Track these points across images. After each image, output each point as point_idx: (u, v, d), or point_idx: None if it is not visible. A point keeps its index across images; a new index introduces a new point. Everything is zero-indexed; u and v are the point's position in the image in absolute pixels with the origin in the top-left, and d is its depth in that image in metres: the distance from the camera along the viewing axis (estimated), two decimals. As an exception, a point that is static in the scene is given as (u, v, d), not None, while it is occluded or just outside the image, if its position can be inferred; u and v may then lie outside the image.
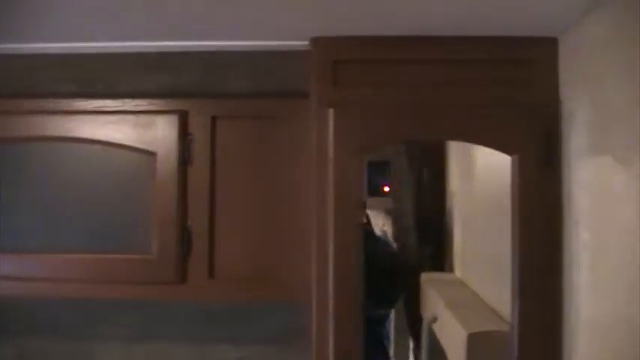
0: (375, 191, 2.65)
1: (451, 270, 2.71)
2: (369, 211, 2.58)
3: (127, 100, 2.06)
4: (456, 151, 2.67)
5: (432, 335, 2.60)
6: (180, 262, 2.02)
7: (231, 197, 2.03)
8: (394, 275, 2.66)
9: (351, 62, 1.93)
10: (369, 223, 2.60)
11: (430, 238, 2.78)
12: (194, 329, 2.35)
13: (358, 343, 1.91)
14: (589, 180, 1.70)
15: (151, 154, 2.02)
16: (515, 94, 1.88)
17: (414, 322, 2.82)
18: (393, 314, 2.84)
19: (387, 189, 2.68)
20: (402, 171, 2.72)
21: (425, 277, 2.72)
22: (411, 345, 2.89)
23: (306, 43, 1.94)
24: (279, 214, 2.01)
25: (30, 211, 2.09)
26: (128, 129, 2.04)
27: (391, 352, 2.85)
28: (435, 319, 2.53)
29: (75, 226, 2.06)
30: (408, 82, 1.92)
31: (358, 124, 1.89)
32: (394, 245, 2.75)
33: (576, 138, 1.77)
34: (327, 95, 1.91)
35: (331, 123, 1.90)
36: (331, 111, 1.90)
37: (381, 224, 2.92)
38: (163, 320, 2.36)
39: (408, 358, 2.85)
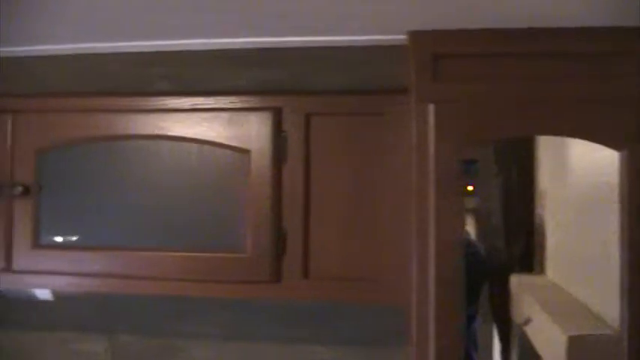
0: (458, 190, 2.57)
1: (542, 271, 2.63)
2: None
3: (220, 98, 2.03)
4: (546, 148, 2.59)
5: (523, 338, 2.53)
6: (274, 261, 1.98)
7: (326, 195, 1.99)
8: (481, 277, 2.60)
9: (451, 56, 1.88)
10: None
11: (519, 238, 2.70)
12: (285, 328, 2.33)
13: (460, 347, 1.84)
14: None
15: (245, 152, 1.99)
16: (624, 87, 1.79)
17: (502, 325, 2.75)
18: (478, 317, 2.77)
19: (470, 188, 2.61)
20: (490, 169, 2.65)
21: (514, 278, 2.64)
22: (499, 348, 2.82)
23: (403, 37, 1.88)
24: (376, 213, 1.97)
25: (123, 210, 2.09)
26: (221, 126, 2.02)
27: (475, 356, 2.78)
28: (528, 321, 2.46)
29: (168, 224, 2.05)
30: (510, 75, 1.86)
31: (460, 119, 1.83)
32: (479, 246, 2.69)
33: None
34: (427, 91, 1.86)
35: (432, 119, 1.85)
36: (431, 107, 1.85)
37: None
38: (254, 319, 2.34)
39: (493, 360, 2.78)
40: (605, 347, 1.86)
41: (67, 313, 2.50)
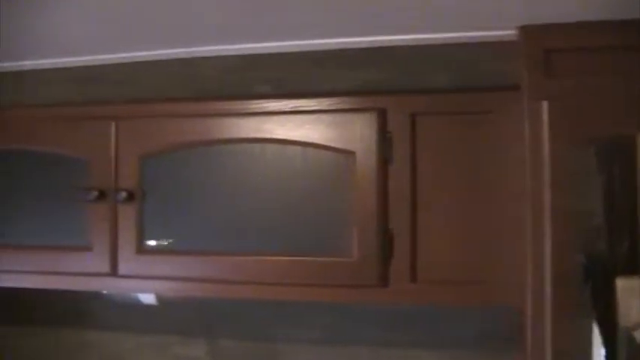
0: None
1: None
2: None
3: (322, 99, 2.00)
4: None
5: (631, 343, 2.43)
6: (381, 264, 1.95)
7: (433, 197, 1.94)
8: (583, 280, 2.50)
9: (563, 51, 1.81)
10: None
11: (622, 240, 2.60)
12: (388, 332, 2.31)
13: (577, 351, 1.78)
14: None
15: (350, 154, 1.96)
16: None
17: (607, 329, 2.65)
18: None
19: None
20: (591, 169, 2.55)
21: (622, 282, 2.54)
22: (602, 353, 2.72)
23: (513, 32, 1.82)
24: (485, 214, 1.91)
25: (227, 214, 2.08)
26: (325, 128, 1.99)
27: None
28: (637, 326, 2.36)
29: (272, 228, 2.03)
30: (626, 69, 1.78)
31: (576, 116, 1.77)
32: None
33: None
34: (540, 87, 1.80)
35: (545, 116, 1.79)
36: (545, 104, 1.79)
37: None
38: (356, 322, 2.32)
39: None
40: None
41: (169, 317, 2.52)
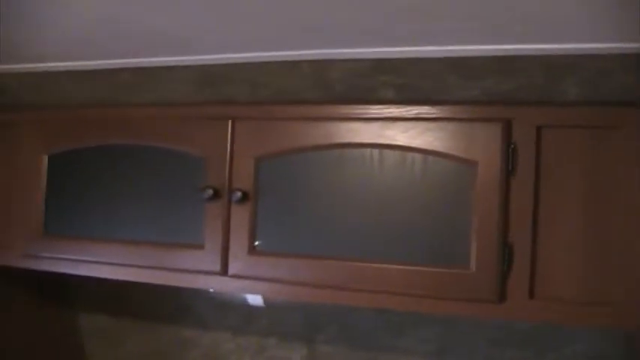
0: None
1: None
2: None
3: (446, 107, 1.97)
4: None
5: None
6: (500, 279, 1.89)
7: (557, 211, 1.89)
8: None
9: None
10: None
11: None
12: (499, 348, 2.25)
13: None
14: None
15: (472, 164, 1.92)
16: None
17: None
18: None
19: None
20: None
21: None
22: None
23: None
24: (610, 231, 1.85)
25: (341, 219, 2.07)
26: (448, 137, 1.96)
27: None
28: None
29: (389, 236, 2.01)
30: None
31: None
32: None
33: None
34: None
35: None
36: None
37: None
38: (466, 337, 2.27)
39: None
40: None
41: (271, 319, 2.51)
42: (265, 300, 2.47)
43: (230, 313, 2.62)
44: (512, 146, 1.92)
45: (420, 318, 2.32)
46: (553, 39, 1.92)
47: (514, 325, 2.23)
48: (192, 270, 2.22)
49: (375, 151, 2.04)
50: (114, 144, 2.37)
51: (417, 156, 1.99)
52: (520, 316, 1.92)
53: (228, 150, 2.18)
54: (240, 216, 2.16)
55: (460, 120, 1.96)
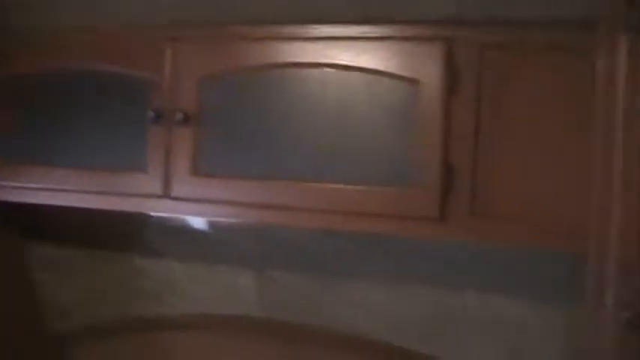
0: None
1: None
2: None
3: (389, 26, 1.95)
4: None
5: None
6: (440, 197, 1.90)
7: (501, 131, 1.88)
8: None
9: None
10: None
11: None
12: (448, 273, 2.25)
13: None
14: None
15: (414, 83, 1.90)
16: None
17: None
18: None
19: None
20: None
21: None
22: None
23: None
24: (555, 152, 1.85)
25: (285, 140, 2.06)
26: (390, 56, 1.94)
27: None
28: None
29: (331, 155, 1.99)
30: None
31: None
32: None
33: None
34: (620, 20, 1.70)
35: (624, 51, 1.69)
36: (624, 38, 1.69)
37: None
38: (414, 262, 2.27)
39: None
40: None
41: (221, 244, 2.50)
42: (213, 224, 2.46)
43: (180, 240, 2.60)
44: (455, 65, 1.89)
45: (372, 243, 2.31)
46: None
47: (469, 251, 2.23)
48: (135, 194, 2.21)
49: (318, 71, 2.01)
50: (56, 68, 2.31)
51: (360, 75, 1.97)
52: (461, 235, 1.94)
53: (170, 72, 2.14)
54: (183, 138, 2.14)
55: (403, 39, 1.95)
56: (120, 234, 2.68)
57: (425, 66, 1.90)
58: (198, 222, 2.48)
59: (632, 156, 1.72)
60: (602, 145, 1.73)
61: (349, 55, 1.97)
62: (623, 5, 1.72)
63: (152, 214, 2.46)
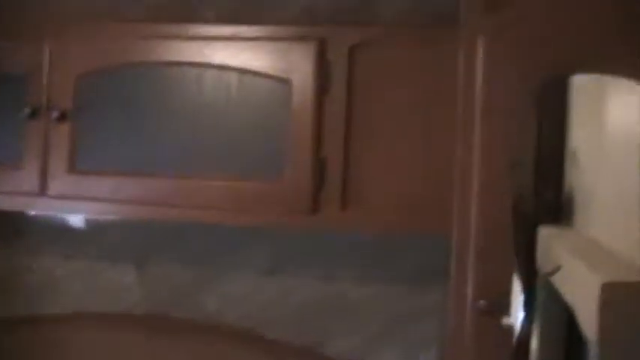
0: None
1: (573, 223, 2.60)
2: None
3: (262, 27, 2.02)
4: (581, 100, 2.54)
5: (549, 288, 2.51)
6: (313, 191, 1.97)
7: (372, 127, 1.98)
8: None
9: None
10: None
11: (550, 190, 2.66)
12: (324, 265, 2.32)
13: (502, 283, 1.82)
14: None
15: (287, 82, 1.97)
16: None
17: (527, 277, 2.72)
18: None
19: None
20: (523, 120, 2.60)
21: (544, 230, 2.61)
22: (521, 298, 2.79)
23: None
24: (420, 146, 1.96)
25: (163, 137, 2.09)
26: (264, 56, 2.00)
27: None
28: (555, 270, 2.42)
29: (208, 152, 2.04)
30: (566, 8, 1.81)
31: (511, 54, 1.79)
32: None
33: None
34: (478, 22, 1.81)
35: (480, 52, 1.81)
36: (481, 39, 1.80)
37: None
38: (293, 254, 2.33)
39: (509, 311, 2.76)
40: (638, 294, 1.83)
41: (99, 241, 2.50)
42: (92, 221, 2.45)
43: (60, 238, 2.58)
44: (326, 65, 1.97)
45: (253, 235, 2.36)
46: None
47: (347, 239, 2.30)
48: (12, 192, 2.18)
49: (195, 70, 2.05)
50: None
51: (234, 74, 2.02)
52: (333, 226, 2.03)
53: (48, 68, 2.13)
54: (60, 135, 2.13)
55: (276, 39, 2.01)
56: (5, 232, 2.63)
57: (297, 66, 1.97)
58: (77, 219, 2.47)
59: (487, 153, 1.83)
60: (462, 142, 1.84)
61: (224, 54, 2.02)
62: (481, 9, 1.83)
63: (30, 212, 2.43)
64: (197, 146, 2.04)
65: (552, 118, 2.47)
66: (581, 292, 1.98)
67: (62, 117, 2.10)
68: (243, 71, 2.01)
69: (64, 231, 2.50)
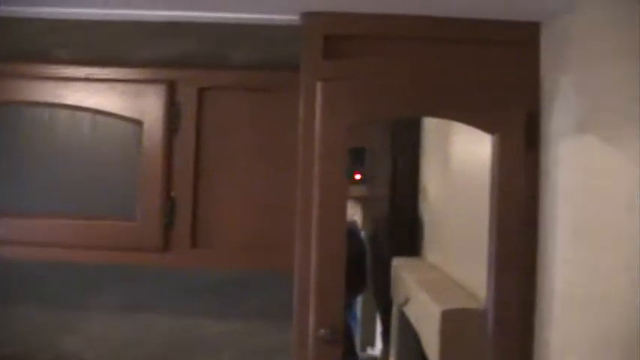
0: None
1: (423, 255, 2.74)
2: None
3: (116, 69, 2.07)
4: (430, 139, 2.70)
5: (402, 318, 2.63)
6: (163, 230, 2.03)
7: (218, 167, 2.06)
8: (361, 265, 2.68)
9: (342, 38, 1.96)
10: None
11: (404, 224, 2.79)
12: (181, 303, 2.37)
13: (339, 318, 1.92)
14: (570, 157, 1.75)
15: (138, 123, 2.03)
16: (499, 74, 1.92)
17: (384, 307, 2.84)
18: (360, 301, 2.86)
19: (358, 177, 2.69)
20: (379, 158, 2.73)
21: (397, 261, 2.75)
22: (380, 329, 2.91)
23: (297, 17, 1.96)
24: (267, 186, 2.07)
25: (17, 175, 2.09)
26: (117, 97, 2.05)
27: (358, 339, 2.87)
28: (406, 301, 2.55)
29: (61, 191, 2.09)
30: (397, 59, 1.96)
31: (346, 99, 1.92)
32: (361, 234, 2.77)
33: (558, 118, 1.82)
34: (317, 69, 1.94)
35: (319, 97, 1.92)
36: (320, 84, 1.92)
37: (350, 213, 2.93)
38: (151, 292, 2.36)
39: (375, 343, 2.87)
40: (476, 319, 1.97)
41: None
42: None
43: None
44: (176, 107, 2.04)
45: (112, 273, 2.38)
46: (223, 8, 2.05)
47: (203, 277, 2.35)
48: None
49: (48, 110, 2.08)
50: None
51: (87, 115, 2.06)
52: (183, 264, 2.09)
53: None
54: None
55: (128, 81, 2.07)
56: None
57: (148, 107, 2.03)
58: None
59: (326, 192, 1.94)
60: (302, 182, 1.94)
61: (78, 96, 2.06)
62: (319, 56, 1.95)
63: None
64: (51, 186, 2.07)
65: (406, 156, 2.63)
66: (425, 319, 2.11)
67: None
68: (97, 112, 2.05)
69: None
